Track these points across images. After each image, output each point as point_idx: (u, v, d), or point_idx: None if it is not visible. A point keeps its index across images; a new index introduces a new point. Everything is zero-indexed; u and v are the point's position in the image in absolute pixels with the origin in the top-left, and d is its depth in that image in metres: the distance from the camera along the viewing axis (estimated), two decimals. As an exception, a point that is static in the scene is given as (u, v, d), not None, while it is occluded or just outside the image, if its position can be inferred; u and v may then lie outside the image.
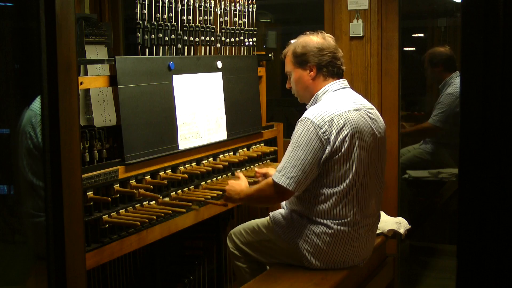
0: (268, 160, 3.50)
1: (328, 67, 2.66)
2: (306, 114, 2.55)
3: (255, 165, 3.37)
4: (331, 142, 2.47)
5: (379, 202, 2.73)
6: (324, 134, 2.47)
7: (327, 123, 2.48)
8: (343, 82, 2.70)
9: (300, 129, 2.51)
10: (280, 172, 2.51)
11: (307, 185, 2.54)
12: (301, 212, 2.63)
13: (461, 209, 1.27)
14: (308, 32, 2.75)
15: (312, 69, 2.66)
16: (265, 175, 2.90)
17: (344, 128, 2.49)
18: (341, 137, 2.48)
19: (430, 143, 4.45)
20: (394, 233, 3.21)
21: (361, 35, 3.65)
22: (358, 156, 2.52)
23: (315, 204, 2.57)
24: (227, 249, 3.00)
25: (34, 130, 2.22)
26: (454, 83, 4.30)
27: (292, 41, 2.77)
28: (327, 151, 2.48)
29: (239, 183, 2.74)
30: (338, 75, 2.70)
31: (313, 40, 2.68)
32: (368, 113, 2.64)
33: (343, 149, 2.49)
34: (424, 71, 4.47)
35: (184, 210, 2.63)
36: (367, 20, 3.64)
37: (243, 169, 3.25)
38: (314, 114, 2.52)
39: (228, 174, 3.14)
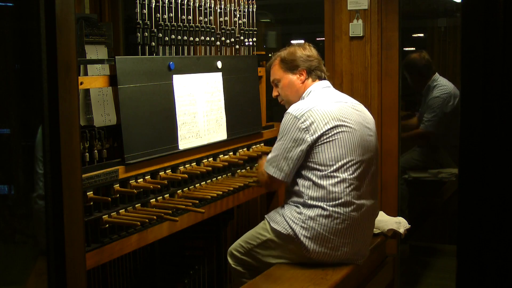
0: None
1: (316, 71, 2.90)
2: (288, 109, 2.75)
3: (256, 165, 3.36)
4: (311, 131, 2.64)
5: (375, 190, 2.83)
6: (303, 123, 2.65)
7: (305, 114, 2.67)
8: (326, 82, 2.91)
9: (283, 122, 2.72)
10: (268, 162, 2.74)
11: (294, 173, 2.68)
12: (296, 202, 2.71)
13: (461, 209, 1.27)
14: (292, 42, 2.95)
15: (302, 73, 2.88)
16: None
17: (323, 117, 2.66)
18: (321, 125, 2.64)
19: (423, 146, 4.46)
20: (394, 233, 3.21)
21: (361, 35, 3.65)
22: (342, 141, 2.65)
23: (308, 189, 2.67)
24: (229, 267, 2.98)
25: None
26: (438, 86, 4.32)
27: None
28: (309, 140, 2.64)
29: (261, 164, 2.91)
30: (324, 79, 2.92)
31: (300, 49, 2.91)
32: (353, 106, 2.80)
33: (325, 136, 2.64)
34: (407, 79, 4.48)
35: (189, 205, 2.64)
36: (367, 20, 3.64)
37: (243, 170, 3.25)
38: (294, 108, 2.72)
39: (228, 174, 3.13)
